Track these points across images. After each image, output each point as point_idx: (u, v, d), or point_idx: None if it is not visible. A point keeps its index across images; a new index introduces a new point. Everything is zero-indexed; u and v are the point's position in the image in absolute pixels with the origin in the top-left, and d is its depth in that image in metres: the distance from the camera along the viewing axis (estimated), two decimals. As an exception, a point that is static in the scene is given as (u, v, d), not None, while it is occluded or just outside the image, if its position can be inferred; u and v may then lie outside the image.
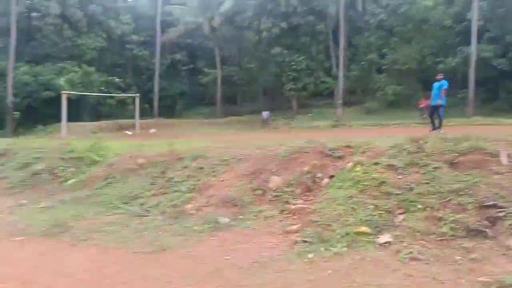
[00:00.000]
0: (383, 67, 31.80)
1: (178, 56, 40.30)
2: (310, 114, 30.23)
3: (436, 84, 11.90)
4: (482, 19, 26.07)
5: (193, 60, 41.21)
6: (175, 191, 7.04)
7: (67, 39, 35.08)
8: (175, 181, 7.43)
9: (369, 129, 20.88)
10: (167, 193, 7.07)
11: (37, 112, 29.94)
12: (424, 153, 6.01)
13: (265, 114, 28.81)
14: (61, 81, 30.41)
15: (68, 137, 17.03)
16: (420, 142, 6.49)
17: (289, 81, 31.15)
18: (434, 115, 12.09)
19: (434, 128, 11.62)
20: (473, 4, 24.69)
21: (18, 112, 28.96)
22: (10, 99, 29.09)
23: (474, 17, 24.67)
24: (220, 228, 5.39)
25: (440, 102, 11.68)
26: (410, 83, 30.32)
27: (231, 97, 38.90)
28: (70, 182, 8.45)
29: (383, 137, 9.08)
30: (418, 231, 4.31)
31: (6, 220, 6.45)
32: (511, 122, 18.14)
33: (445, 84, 11.72)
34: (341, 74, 28.86)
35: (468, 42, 25.41)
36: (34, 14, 34.46)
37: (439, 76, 12.14)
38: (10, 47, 29.81)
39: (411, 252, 3.91)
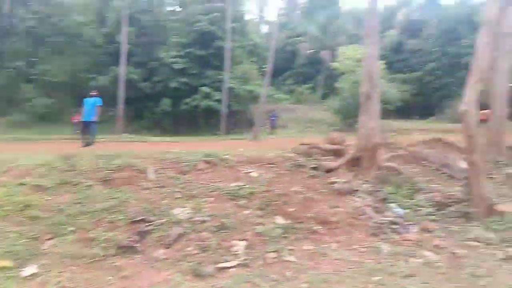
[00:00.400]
0: (32, 77, 29.03)
1: None
2: None
3: (89, 100, 11.88)
4: (130, 43, 28.61)
5: None
6: None
7: None
8: None
9: (14, 144, 18.34)
10: None
11: None
12: (77, 171, 5.82)
13: None
14: None
15: None
16: (72, 159, 6.24)
17: None
18: (87, 131, 12.00)
19: (86, 144, 11.51)
20: (122, 29, 26.72)
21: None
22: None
23: (123, 40, 26.69)
24: None
25: (95, 118, 11.77)
26: (62, 96, 29.02)
27: None
28: None
29: (31, 153, 8.14)
30: (67, 256, 4.01)
31: None
32: (155, 140, 20.59)
33: (99, 101, 11.89)
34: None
35: (117, 63, 27.17)
36: None
37: (93, 93, 12.18)
38: None
39: (59, 282, 3.57)
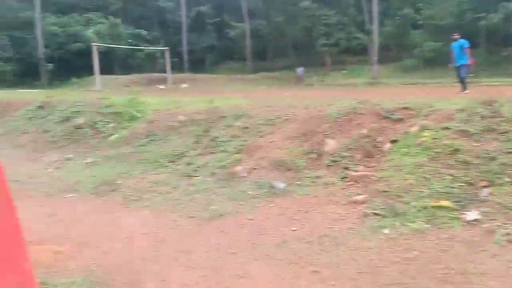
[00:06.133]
0: (419, 22, 29.78)
1: (203, 9, 38.94)
2: (344, 71, 29.10)
3: (455, 44, 11.35)
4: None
5: (220, 13, 39.83)
6: (222, 151, 6.72)
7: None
8: (220, 141, 7.09)
9: (409, 87, 19.84)
10: (214, 152, 6.75)
11: (69, 63, 30.08)
12: (502, 118, 5.40)
13: (299, 70, 27.75)
14: (90, 32, 30.08)
15: (103, 90, 16.90)
16: (495, 105, 5.85)
17: (320, 36, 29.74)
18: (460, 75, 11.50)
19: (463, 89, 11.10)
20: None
21: (51, 64, 29.03)
22: (41, 50, 29.15)
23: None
24: (276, 194, 5.07)
25: (465, 61, 11.24)
26: (448, 39, 28.37)
27: (261, 52, 37.79)
28: (112, 137, 8.28)
29: (436, 97, 8.38)
30: (509, 208, 3.83)
31: (55, 175, 6.36)
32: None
33: (465, 43, 11.27)
34: (375, 29, 27.30)
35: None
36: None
37: (456, 36, 11.49)
38: (35, -3, 29.53)
39: (508, 234, 3.46)
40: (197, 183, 5.72)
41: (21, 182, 5.96)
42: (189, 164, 6.49)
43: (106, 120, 8.90)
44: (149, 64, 34.81)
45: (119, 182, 5.96)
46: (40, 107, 10.06)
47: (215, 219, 4.48)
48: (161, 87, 24.29)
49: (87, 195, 5.47)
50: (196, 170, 6.21)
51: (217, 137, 7.23)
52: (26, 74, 31.08)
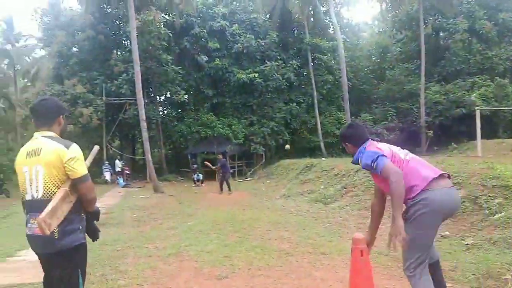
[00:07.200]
0: None
1: None
2: None
3: None
4: None
5: None
6: None
7: (477, 53, 33.33)
8: None
9: None
10: None
11: (449, 129, 30.11)
12: None
13: None
14: (473, 96, 29.00)
15: (484, 156, 15.40)
16: None
17: None
18: None
19: None
20: None
21: (431, 131, 30.03)
22: (423, 118, 30.73)
23: None
24: None
25: None
26: None
27: None
28: (496, 216, 7.02)
29: None
30: None
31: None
32: None
33: None
34: None
35: None
36: (441, 33, 35.09)
37: None
38: (420, 69, 31.60)
39: None
40: None
41: (393, 257, 5.88)
42: None
43: (491, 195, 7.69)
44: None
45: (507, 276, 4.76)
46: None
47: None
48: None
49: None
50: None
51: None
52: (407, 142, 33.47)
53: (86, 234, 2.92)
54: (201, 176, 25.00)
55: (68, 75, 29.45)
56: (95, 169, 29.70)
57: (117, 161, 27.56)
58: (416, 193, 3.14)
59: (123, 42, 32.72)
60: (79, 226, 2.79)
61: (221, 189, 18.35)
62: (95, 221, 3.05)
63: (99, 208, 3.09)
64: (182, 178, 29.13)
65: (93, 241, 3.12)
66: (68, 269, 2.73)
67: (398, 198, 3.03)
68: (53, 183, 2.68)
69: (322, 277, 5.10)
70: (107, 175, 27.13)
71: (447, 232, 6.86)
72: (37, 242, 2.71)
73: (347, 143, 3.59)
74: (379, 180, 3.36)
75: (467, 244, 6.09)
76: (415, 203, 3.14)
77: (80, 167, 2.73)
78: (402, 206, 3.12)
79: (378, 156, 3.16)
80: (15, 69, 42.45)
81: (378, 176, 3.26)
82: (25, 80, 42.56)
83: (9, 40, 42.51)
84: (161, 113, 33.25)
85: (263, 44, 32.45)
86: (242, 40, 31.38)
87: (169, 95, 33.28)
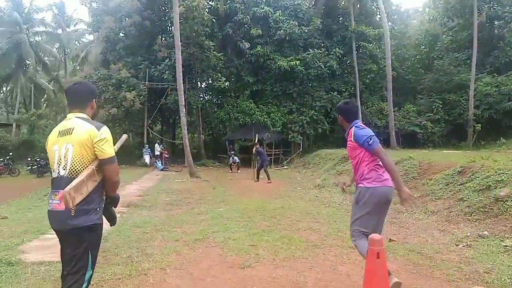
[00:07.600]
0: None
1: None
2: None
3: None
4: None
5: None
6: None
7: (534, 44, 31.02)
8: None
9: None
10: None
11: (499, 124, 28.45)
12: None
13: None
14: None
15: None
16: None
17: None
18: None
19: None
20: None
21: (479, 125, 28.44)
22: (471, 111, 29.18)
23: None
24: None
25: None
26: None
27: None
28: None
29: None
30: None
31: (465, 254, 5.62)
32: None
33: None
34: None
35: None
36: (496, 22, 32.87)
37: None
38: (472, 59, 29.87)
39: None
40: None
41: (426, 255, 5.66)
42: None
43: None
44: None
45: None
46: (460, 172, 9.60)
47: None
48: None
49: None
50: None
51: None
52: (452, 135, 31.94)
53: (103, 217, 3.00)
54: (236, 158, 25.13)
55: (114, 60, 30.49)
56: (136, 152, 30.73)
57: (156, 145, 28.36)
58: None
59: (168, 27, 33.27)
60: (97, 207, 2.87)
61: (257, 177, 18.39)
62: (112, 207, 3.13)
63: (120, 195, 3.18)
64: (219, 164, 29.55)
65: (111, 225, 3.22)
66: (80, 249, 2.80)
67: (396, 172, 3.83)
68: (81, 162, 2.79)
69: (347, 272, 5.00)
70: (147, 158, 27.98)
71: (485, 232, 6.50)
72: (54, 217, 2.82)
73: (341, 116, 4.28)
74: (353, 150, 4.06)
75: (506, 246, 5.73)
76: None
77: (109, 149, 2.84)
78: (399, 176, 3.90)
79: (373, 135, 3.92)
80: (66, 53, 44.43)
81: (358, 148, 3.97)
82: (75, 64, 44.50)
83: (60, 25, 44.51)
84: (201, 99, 33.66)
85: (306, 31, 31.88)
86: (285, 27, 30.93)
87: (210, 82, 33.63)
